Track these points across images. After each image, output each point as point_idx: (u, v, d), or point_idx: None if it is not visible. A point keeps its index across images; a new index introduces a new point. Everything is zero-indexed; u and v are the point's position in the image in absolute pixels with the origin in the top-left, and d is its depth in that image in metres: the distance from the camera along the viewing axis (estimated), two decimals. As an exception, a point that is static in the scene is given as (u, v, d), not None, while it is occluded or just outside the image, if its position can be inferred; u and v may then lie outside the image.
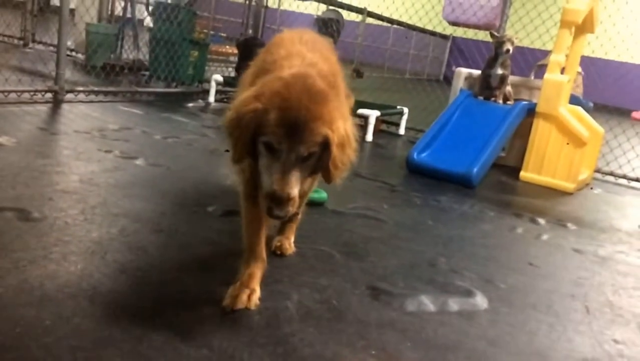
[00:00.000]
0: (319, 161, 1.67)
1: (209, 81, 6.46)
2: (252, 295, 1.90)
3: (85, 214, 2.44)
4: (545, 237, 3.33)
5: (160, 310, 1.80)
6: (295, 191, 1.61)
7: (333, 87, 1.79)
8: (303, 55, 1.85)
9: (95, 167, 3.12)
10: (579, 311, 2.35)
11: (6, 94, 4.44)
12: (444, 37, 18.25)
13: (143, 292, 1.89)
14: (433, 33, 16.64)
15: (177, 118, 4.98)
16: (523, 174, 4.94)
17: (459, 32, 16.75)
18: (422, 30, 15.66)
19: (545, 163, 4.84)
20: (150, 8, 6.93)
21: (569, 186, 4.73)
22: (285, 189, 1.58)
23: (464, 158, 4.41)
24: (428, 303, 2.18)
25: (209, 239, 2.43)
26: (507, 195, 4.36)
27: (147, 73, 6.77)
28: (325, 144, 1.62)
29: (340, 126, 1.65)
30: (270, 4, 9.82)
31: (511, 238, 3.27)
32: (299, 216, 2.39)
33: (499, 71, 5.04)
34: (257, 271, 1.94)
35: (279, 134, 1.58)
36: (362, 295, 2.16)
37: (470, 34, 13.51)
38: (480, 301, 2.29)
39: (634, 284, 2.76)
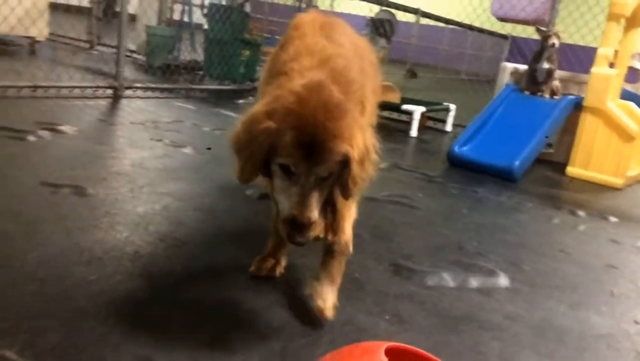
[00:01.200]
0: (338, 178, 1.57)
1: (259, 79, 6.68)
2: (277, 265, 2.04)
3: (133, 193, 2.66)
4: (582, 227, 3.32)
5: (193, 274, 1.97)
6: (315, 214, 1.51)
7: (349, 89, 1.64)
8: (315, 51, 1.71)
9: (146, 154, 3.36)
10: (604, 294, 2.37)
11: (71, 89, 4.79)
12: (503, 36, 17.93)
13: (178, 258, 2.06)
14: (491, 33, 16.40)
15: (227, 113, 5.21)
16: (570, 169, 4.88)
17: (519, 30, 16.46)
18: (480, 30, 15.48)
19: (593, 158, 4.77)
20: (205, 10, 7.23)
21: (617, 181, 4.64)
22: (305, 213, 1.48)
23: (506, 152, 4.41)
24: (448, 279, 2.27)
25: (244, 218, 2.60)
26: (550, 189, 4.33)
27: (201, 72, 7.07)
28: (345, 161, 1.51)
29: (360, 140, 1.53)
30: (323, 6, 10.01)
31: (546, 227, 3.29)
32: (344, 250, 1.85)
33: (546, 65, 5.00)
34: (283, 244, 2.06)
35: (296, 156, 1.46)
36: (384, 270, 2.27)
37: (531, 32, 13.27)
38: (502, 280, 2.35)
39: (669, 273, 2.74)
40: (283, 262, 2.07)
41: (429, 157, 4.91)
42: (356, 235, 2.52)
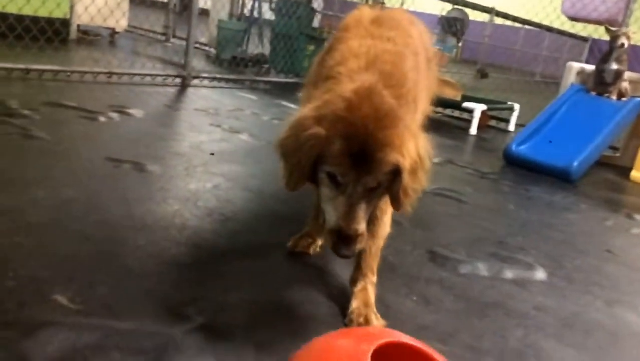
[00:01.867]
0: (388, 188, 1.52)
1: (323, 73, 6.80)
2: (313, 243, 2.14)
3: (188, 171, 2.84)
4: (637, 231, 3.23)
5: (234, 246, 2.10)
6: (363, 225, 1.46)
7: (400, 91, 1.58)
8: (360, 53, 1.64)
9: (205, 138, 3.55)
10: (646, 295, 2.33)
11: (142, 77, 5.08)
12: (583, 38, 17.24)
13: (222, 232, 2.20)
14: (571, 34, 15.82)
15: (287, 104, 5.36)
16: (634, 174, 4.71)
17: (601, 32, 15.81)
18: (559, 32, 14.95)
19: (660, 163, 4.59)
20: (273, 4, 7.43)
21: (685, 187, 4.44)
22: (351, 225, 1.43)
23: (566, 152, 4.31)
24: (483, 269, 2.29)
25: (288, 202, 2.71)
26: (609, 192, 4.20)
27: (266, 65, 7.28)
28: (396, 171, 1.46)
29: (412, 148, 1.47)
30: (392, 3, 10.01)
31: (597, 228, 3.22)
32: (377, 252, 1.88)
33: (614, 66, 4.83)
34: (320, 227, 2.08)
35: (344, 166, 1.42)
36: (418, 256, 2.32)
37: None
38: (539, 274, 2.35)
39: None
40: (319, 242, 2.16)
41: (486, 155, 4.87)
42: (396, 222, 2.58)
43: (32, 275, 1.64)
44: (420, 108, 1.86)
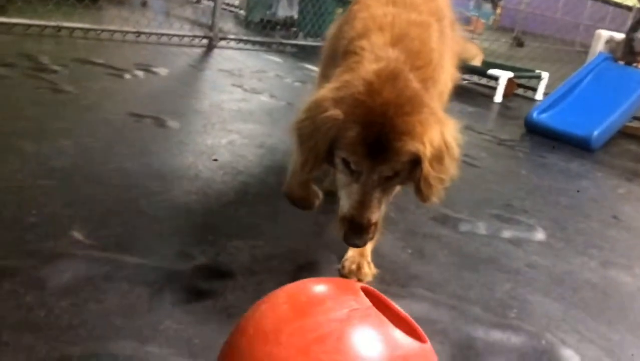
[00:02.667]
0: (409, 177, 1.44)
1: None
2: (317, 199, 2.21)
3: (205, 128, 2.96)
4: (648, 199, 3.24)
5: (242, 197, 2.22)
6: (376, 216, 1.41)
7: (427, 72, 1.49)
8: (385, 25, 1.54)
9: (225, 97, 3.66)
10: (644, 259, 2.37)
11: (170, 37, 5.20)
12: (627, 8, 16.64)
13: (233, 183, 2.32)
14: (614, 3, 15.30)
15: (312, 67, 5.41)
16: (658, 145, 4.66)
17: (645, 2, 15.20)
18: (603, 0, 14.47)
19: (686, 135, 4.52)
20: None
21: None
22: (364, 215, 1.38)
23: (587, 121, 4.29)
24: (482, 228, 2.37)
25: (302, 157, 2.82)
26: (628, 162, 4.17)
27: (294, 29, 7.31)
28: (416, 160, 1.38)
29: (436, 136, 1.38)
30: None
31: (608, 195, 3.24)
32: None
33: (644, 34, 4.74)
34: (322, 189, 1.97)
35: (359, 153, 1.36)
36: (421, 214, 2.40)
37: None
38: (538, 235, 2.41)
39: None
40: (321, 196, 2.21)
41: (507, 123, 4.86)
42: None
43: (52, 213, 1.79)
44: (447, 78, 1.79)
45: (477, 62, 5.94)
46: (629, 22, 17.09)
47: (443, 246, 2.13)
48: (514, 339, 1.62)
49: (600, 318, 1.83)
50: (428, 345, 1.03)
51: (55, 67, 3.48)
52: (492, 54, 8.05)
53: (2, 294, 1.38)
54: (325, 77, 1.65)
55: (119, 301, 1.45)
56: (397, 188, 1.55)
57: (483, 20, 19.08)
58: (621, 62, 4.89)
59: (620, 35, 5.04)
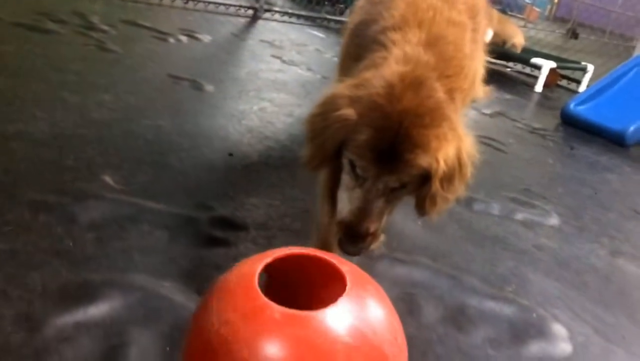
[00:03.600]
0: (415, 191, 1.37)
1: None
2: None
3: (240, 94, 3.08)
4: (675, 197, 3.22)
5: (265, 160, 2.34)
6: (375, 226, 1.32)
7: (456, 81, 1.43)
8: (425, 20, 1.46)
9: (263, 67, 3.77)
10: (656, 253, 2.39)
11: (217, 6, 5.33)
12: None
13: (258, 147, 2.44)
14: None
15: (352, 44, 5.47)
16: (698, 146, 4.56)
17: None
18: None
19: None
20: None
21: None
22: (363, 223, 1.30)
23: (624, 116, 4.24)
24: (496, 208, 2.43)
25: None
26: (663, 160, 4.12)
27: (342, 5, 7.34)
28: (426, 175, 1.30)
29: (451, 153, 1.30)
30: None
31: (633, 189, 3.23)
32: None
33: (695, 31, 4.61)
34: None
35: (367, 159, 1.28)
36: (437, 190, 2.47)
37: None
38: (552, 220, 2.45)
39: None
40: None
41: (544, 112, 4.83)
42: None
43: (88, 159, 1.94)
44: (476, 76, 1.70)
45: (516, 46, 5.87)
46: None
47: (453, 222, 2.21)
48: (506, 310, 1.70)
49: (598, 301, 1.88)
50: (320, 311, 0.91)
51: (104, 27, 3.65)
52: (544, 44, 7.93)
53: (37, 225, 1.54)
54: (345, 69, 1.57)
55: (139, 240, 1.59)
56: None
57: (538, 9, 18.60)
58: (669, 59, 4.78)
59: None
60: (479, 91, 1.83)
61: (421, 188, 1.33)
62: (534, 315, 1.70)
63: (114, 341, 1.21)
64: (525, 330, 1.62)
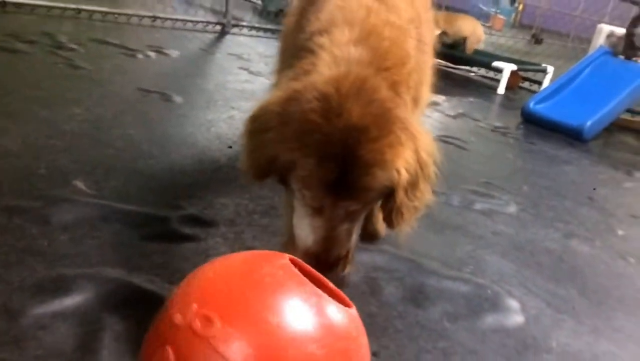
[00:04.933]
0: (382, 204, 1.28)
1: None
2: None
3: (208, 104, 3.17)
4: (629, 185, 3.39)
5: (234, 164, 2.42)
6: (346, 247, 1.22)
7: (400, 74, 1.29)
8: (356, 19, 1.31)
9: (231, 78, 3.87)
10: (609, 235, 2.53)
11: (184, 22, 5.43)
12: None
13: (226, 152, 2.53)
14: (635, 2, 15.18)
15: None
16: (654, 138, 4.77)
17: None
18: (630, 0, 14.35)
19: (680, 129, 4.63)
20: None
21: (702, 154, 4.48)
22: (331, 251, 1.19)
23: (581, 112, 4.43)
24: (456, 199, 2.55)
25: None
26: (620, 152, 4.30)
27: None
28: (388, 188, 1.20)
29: (410, 156, 1.19)
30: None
31: (589, 179, 3.39)
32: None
33: (644, 30, 4.85)
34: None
35: (318, 191, 1.16)
36: (400, 185, 2.59)
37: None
38: (509, 209, 2.58)
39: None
40: None
41: (506, 113, 5.00)
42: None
43: (59, 167, 2.01)
44: (426, 91, 1.64)
45: (475, 43, 6.09)
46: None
47: (415, 213, 2.31)
48: (463, 288, 1.81)
49: (551, 278, 2.00)
50: (353, 309, 1.02)
51: (73, 46, 3.72)
52: (509, 50, 8.18)
53: (12, 226, 1.60)
54: (281, 70, 1.45)
55: (111, 237, 1.66)
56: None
57: (503, 17, 19.05)
58: (621, 57, 5.00)
59: (621, 30, 5.14)
60: (426, 97, 1.68)
61: (385, 201, 1.24)
62: (489, 291, 1.81)
63: (89, 328, 1.28)
64: (481, 305, 1.73)
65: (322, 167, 1.12)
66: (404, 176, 1.19)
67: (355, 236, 1.27)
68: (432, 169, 1.28)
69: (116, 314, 1.34)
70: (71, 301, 1.36)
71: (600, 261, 2.24)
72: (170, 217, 1.85)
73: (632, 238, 2.53)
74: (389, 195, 1.22)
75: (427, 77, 1.64)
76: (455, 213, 2.41)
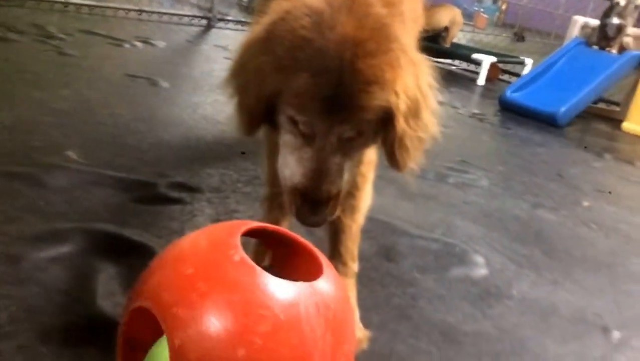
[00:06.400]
0: (378, 137, 1.15)
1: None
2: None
3: (194, 90, 3.29)
4: (597, 165, 3.55)
5: (219, 140, 2.55)
6: (337, 186, 1.09)
7: (394, 5, 1.16)
8: None
9: (217, 67, 3.98)
10: (575, 206, 2.68)
11: (170, 16, 5.54)
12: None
13: (212, 130, 2.65)
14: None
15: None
16: (625, 124, 4.96)
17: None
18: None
19: (650, 115, 4.82)
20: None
21: (671, 139, 4.68)
22: (322, 187, 1.07)
23: (555, 99, 4.60)
24: (431, 174, 2.68)
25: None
26: (592, 137, 4.48)
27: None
28: (387, 115, 1.08)
29: (411, 81, 1.09)
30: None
31: (559, 160, 3.55)
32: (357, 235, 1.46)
33: (616, 21, 5.03)
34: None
35: (310, 111, 1.05)
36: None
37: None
38: (482, 182, 2.73)
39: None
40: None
41: (485, 102, 5.16)
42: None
43: (53, 140, 2.12)
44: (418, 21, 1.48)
45: (455, 29, 6.26)
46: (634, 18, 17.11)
47: (390, 184, 2.44)
48: (433, 246, 1.94)
49: (516, 240, 2.15)
50: (317, 281, 0.90)
51: (61, 36, 3.82)
52: (493, 47, 8.39)
53: (10, 189, 1.71)
54: (263, 8, 1.29)
55: (105, 199, 1.78)
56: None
57: (487, 16, 19.31)
58: (595, 47, 5.18)
59: (595, 22, 5.32)
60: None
61: (385, 132, 1.12)
62: (457, 248, 1.95)
63: (85, 270, 1.40)
64: (449, 260, 1.87)
65: (316, 81, 1.01)
66: (404, 100, 1.07)
67: (347, 177, 1.12)
68: (433, 100, 1.16)
69: (109, 260, 1.46)
70: (67, 249, 1.47)
71: (564, 227, 2.38)
72: (159, 183, 1.96)
73: (596, 209, 2.69)
74: (388, 126, 1.10)
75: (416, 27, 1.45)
76: (430, 186, 2.55)
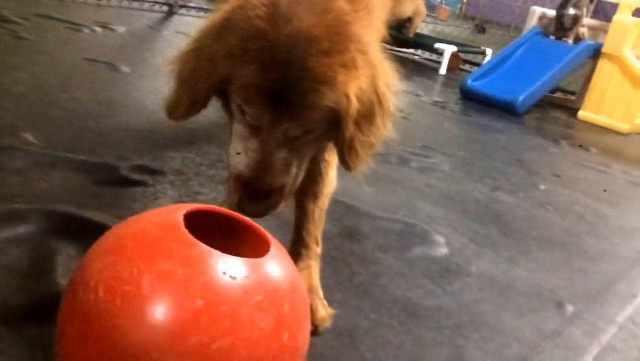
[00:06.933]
0: (330, 135, 1.13)
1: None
2: None
3: (155, 74, 3.21)
4: (554, 150, 3.66)
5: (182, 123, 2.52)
6: (281, 180, 1.09)
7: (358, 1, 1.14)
8: None
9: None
10: (531, 188, 2.76)
11: (131, 2, 5.43)
12: (586, -1, 17.29)
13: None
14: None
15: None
16: (581, 113, 5.10)
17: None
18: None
19: (605, 104, 4.97)
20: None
21: (624, 126, 4.84)
22: (264, 178, 1.07)
23: (514, 88, 4.70)
24: (393, 158, 2.72)
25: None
26: (549, 125, 4.60)
27: None
28: (337, 116, 1.07)
29: (365, 84, 1.07)
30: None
31: (518, 145, 3.64)
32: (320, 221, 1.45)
33: (572, 12, 5.17)
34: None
35: (256, 104, 1.04)
36: (341, 146, 2.75)
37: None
38: (443, 167, 2.78)
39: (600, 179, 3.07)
40: None
41: (446, 90, 5.24)
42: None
43: (9, 122, 2.07)
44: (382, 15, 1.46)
45: (418, 20, 6.33)
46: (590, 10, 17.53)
47: (354, 168, 2.47)
48: (395, 226, 1.98)
49: (475, 220, 2.20)
50: (263, 258, 0.88)
51: (17, 20, 3.70)
52: (454, 38, 8.49)
53: (-37, 171, 1.67)
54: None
55: (64, 181, 1.75)
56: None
57: (449, 8, 19.56)
58: (552, 37, 5.31)
59: (552, 12, 5.45)
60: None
61: (337, 132, 1.10)
62: (418, 229, 1.99)
63: (44, 250, 1.38)
64: (410, 239, 1.90)
65: (263, 75, 1.00)
66: (354, 104, 1.05)
67: (295, 173, 1.13)
68: (390, 103, 1.15)
69: (69, 241, 1.44)
70: (25, 229, 1.44)
71: (521, 208, 2.45)
72: (120, 166, 1.94)
73: (553, 192, 2.77)
74: (339, 127, 1.08)
75: (382, 16, 1.46)
76: (392, 169, 2.58)
